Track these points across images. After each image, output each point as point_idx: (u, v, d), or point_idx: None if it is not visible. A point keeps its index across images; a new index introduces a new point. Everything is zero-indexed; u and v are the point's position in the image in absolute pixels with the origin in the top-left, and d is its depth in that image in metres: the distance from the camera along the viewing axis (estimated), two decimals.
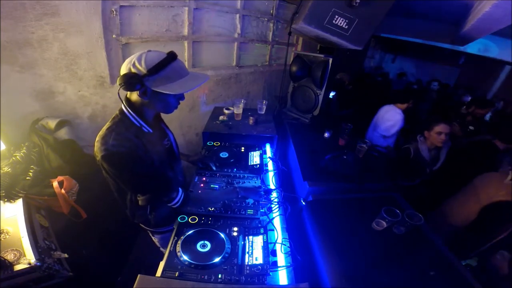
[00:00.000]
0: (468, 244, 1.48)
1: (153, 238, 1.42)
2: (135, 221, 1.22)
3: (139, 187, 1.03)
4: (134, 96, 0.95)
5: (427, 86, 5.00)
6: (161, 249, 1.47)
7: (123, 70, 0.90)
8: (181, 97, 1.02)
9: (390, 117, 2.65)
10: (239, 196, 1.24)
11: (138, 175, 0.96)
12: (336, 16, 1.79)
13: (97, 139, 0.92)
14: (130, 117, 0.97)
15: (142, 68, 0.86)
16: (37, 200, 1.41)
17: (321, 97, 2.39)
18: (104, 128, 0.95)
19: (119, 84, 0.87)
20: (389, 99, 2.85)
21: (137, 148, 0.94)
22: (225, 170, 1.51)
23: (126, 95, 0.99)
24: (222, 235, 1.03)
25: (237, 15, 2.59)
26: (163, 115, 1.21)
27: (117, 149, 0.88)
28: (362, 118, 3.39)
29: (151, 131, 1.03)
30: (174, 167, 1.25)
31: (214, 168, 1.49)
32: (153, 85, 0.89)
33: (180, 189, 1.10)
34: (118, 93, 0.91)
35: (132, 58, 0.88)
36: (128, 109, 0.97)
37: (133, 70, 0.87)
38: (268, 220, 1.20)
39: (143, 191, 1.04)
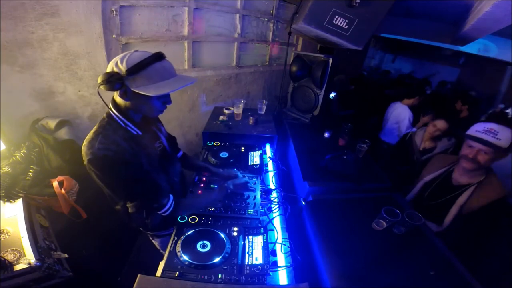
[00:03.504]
0: None
1: (153, 241, 1.41)
2: (133, 225, 1.19)
3: (127, 193, 0.99)
4: (119, 97, 0.92)
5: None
6: (162, 251, 1.46)
7: (107, 69, 0.88)
8: (167, 100, 0.98)
9: (398, 115, 2.78)
10: (228, 191, 1.24)
11: (125, 180, 0.93)
12: (336, 16, 1.79)
13: (84, 143, 0.90)
14: (117, 119, 0.95)
15: (122, 67, 0.84)
16: (37, 200, 1.41)
17: (321, 97, 2.39)
18: (91, 131, 0.93)
19: (99, 83, 0.84)
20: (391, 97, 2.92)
21: (125, 151, 0.91)
22: (225, 170, 1.51)
23: (113, 96, 0.96)
24: (222, 235, 1.03)
25: (237, 15, 2.59)
26: (160, 116, 1.17)
27: (103, 153, 0.86)
28: (363, 119, 3.41)
29: (140, 133, 1.00)
30: (169, 170, 1.21)
31: (239, 174, 1.41)
32: (133, 85, 0.86)
33: (170, 196, 1.06)
34: (98, 92, 0.87)
35: (117, 57, 0.86)
36: (115, 111, 0.95)
37: (115, 69, 0.85)
38: (268, 220, 1.20)
39: (131, 197, 1.00)
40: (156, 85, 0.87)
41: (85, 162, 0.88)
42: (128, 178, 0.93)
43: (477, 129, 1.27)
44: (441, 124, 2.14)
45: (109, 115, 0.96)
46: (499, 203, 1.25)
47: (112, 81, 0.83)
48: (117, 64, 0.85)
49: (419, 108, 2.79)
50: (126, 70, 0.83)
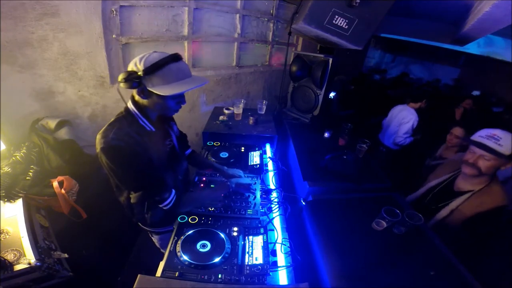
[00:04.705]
0: None
1: (152, 238, 1.42)
2: (133, 219, 1.22)
3: (133, 183, 1.02)
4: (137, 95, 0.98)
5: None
6: (161, 250, 1.47)
7: (128, 68, 0.93)
8: (181, 100, 1.03)
9: (404, 117, 2.68)
10: (231, 190, 1.25)
11: (133, 171, 0.96)
12: (336, 16, 1.79)
13: (99, 132, 0.95)
14: (134, 114, 1.00)
15: (140, 67, 0.88)
16: (37, 200, 1.41)
17: (321, 97, 2.39)
18: (107, 123, 0.97)
19: (119, 81, 0.90)
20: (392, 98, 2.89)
21: (137, 144, 0.95)
22: (229, 169, 1.50)
23: (132, 93, 1.01)
24: (222, 235, 1.03)
25: (237, 15, 2.59)
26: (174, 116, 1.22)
27: (116, 143, 0.89)
28: (362, 120, 3.41)
29: (153, 129, 1.05)
30: (176, 168, 1.25)
31: (242, 175, 1.42)
32: (149, 84, 0.90)
33: (173, 190, 1.09)
34: (118, 90, 0.93)
35: (137, 57, 0.92)
36: (133, 106, 1.00)
37: (134, 68, 0.90)
38: (268, 220, 1.20)
39: (136, 187, 1.04)
40: (170, 85, 0.91)
41: (98, 150, 0.92)
42: (136, 170, 0.97)
43: (480, 134, 1.23)
44: (458, 131, 2.04)
45: (127, 110, 1.01)
46: (497, 212, 1.20)
47: (130, 79, 0.88)
48: (136, 64, 0.90)
49: (426, 112, 2.76)
50: (143, 70, 0.88)
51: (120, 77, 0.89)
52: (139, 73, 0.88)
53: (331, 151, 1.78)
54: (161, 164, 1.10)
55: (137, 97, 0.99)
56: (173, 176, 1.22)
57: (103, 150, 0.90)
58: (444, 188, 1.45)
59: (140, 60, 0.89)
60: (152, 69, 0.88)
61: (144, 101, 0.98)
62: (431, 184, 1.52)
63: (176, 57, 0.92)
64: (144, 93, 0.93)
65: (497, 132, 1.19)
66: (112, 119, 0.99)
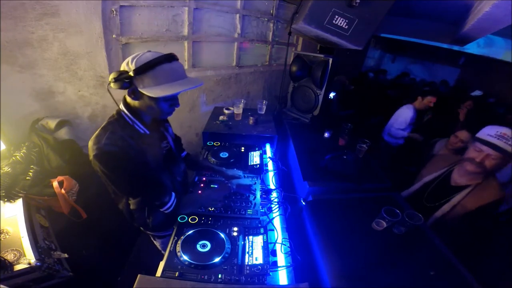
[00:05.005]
0: None
1: (154, 242, 1.41)
2: (134, 224, 1.20)
3: (129, 189, 0.99)
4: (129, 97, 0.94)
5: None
6: (163, 252, 1.45)
7: (121, 67, 0.90)
8: (174, 103, 0.98)
9: (401, 113, 2.86)
10: (232, 191, 1.24)
11: (129, 176, 0.93)
12: (336, 16, 1.79)
13: (91, 138, 0.91)
14: (126, 117, 0.96)
15: (131, 67, 0.85)
16: (37, 200, 1.41)
17: (321, 97, 2.39)
18: (100, 128, 0.94)
19: (109, 80, 0.86)
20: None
21: (131, 148, 0.92)
22: (228, 169, 1.50)
23: (124, 95, 0.97)
24: (222, 235, 1.03)
25: (237, 15, 2.59)
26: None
27: (109, 148, 0.86)
28: (362, 120, 3.42)
29: (147, 132, 1.01)
30: (173, 170, 1.23)
31: (241, 175, 1.41)
32: (140, 85, 0.86)
33: (173, 193, 1.07)
34: (108, 90, 0.88)
35: (130, 56, 0.88)
36: (124, 109, 0.96)
37: (125, 68, 0.87)
38: (268, 220, 1.20)
39: (134, 193, 1.01)
40: (161, 87, 0.86)
41: (91, 157, 0.88)
42: (132, 175, 0.93)
43: (489, 133, 1.22)
44: (463, 135, 1.97)
45: (118, 113, 0.97)
46: (495, 205, 1.23)
47: (121, 79, 0.84)
48: (128, 63, 0.86)
49: (427, 112, 2.82)
50: (134, 70, 0.84)
51: (111, 76, 0.85)
52: (130, 73, 0.84)
53: (331, 151, 1.78)
54: (158, 167, 1.08)
55: (128, 99, 0.94)
56: (171, 178, 1.20)
57: (96, 157, 0.86)
58: (440, 184, 1.46)
59: (133, 59, 0.85)
60: (144, 69, 0.83)
61: (136, 103, 0.93)
62: (426, 180, 1.52)
63: (170, 57, 0.88)
64: (135, 94, 0.89)
65: (507, 131, 1.19)
66: (105, 123, 0.94)
